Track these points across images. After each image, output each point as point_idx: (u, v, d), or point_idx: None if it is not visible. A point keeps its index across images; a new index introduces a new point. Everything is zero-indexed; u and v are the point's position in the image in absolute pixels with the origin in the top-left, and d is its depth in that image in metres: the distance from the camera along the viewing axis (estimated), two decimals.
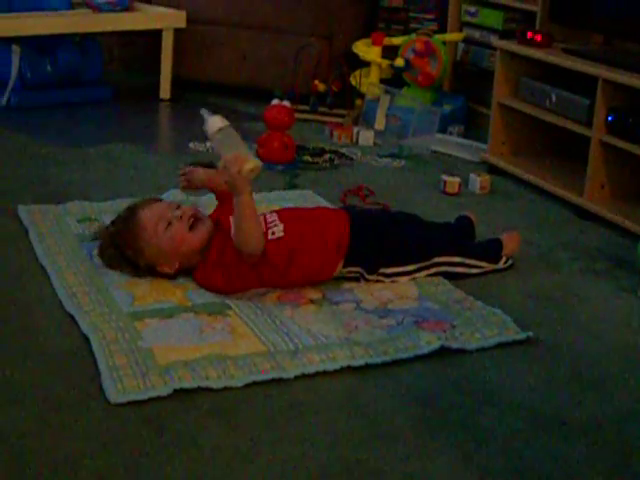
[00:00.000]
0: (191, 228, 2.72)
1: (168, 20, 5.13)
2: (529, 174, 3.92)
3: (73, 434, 1.97)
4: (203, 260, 2.72)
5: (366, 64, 4.97)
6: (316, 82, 4.92)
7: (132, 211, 2.77)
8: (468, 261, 2.92)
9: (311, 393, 2.20)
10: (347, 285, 2.79)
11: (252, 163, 2.58)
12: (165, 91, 5.22)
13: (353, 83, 4.97)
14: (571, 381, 2.34)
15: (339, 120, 4.78)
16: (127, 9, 5.10)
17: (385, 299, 2.72)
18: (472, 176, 3.89)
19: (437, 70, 4.79)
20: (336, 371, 2.30)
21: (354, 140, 4.54)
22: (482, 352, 2.45)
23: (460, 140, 4.63)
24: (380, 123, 4.66)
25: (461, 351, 2.44)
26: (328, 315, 2.59)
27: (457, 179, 3.82)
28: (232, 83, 5.33)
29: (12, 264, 2.84)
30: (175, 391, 2.14)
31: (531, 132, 4.13)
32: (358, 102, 4.92)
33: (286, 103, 4.06)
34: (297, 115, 4.21)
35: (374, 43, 4.94)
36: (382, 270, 2.81)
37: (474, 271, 2.93)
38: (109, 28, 5.05)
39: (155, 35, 5.19)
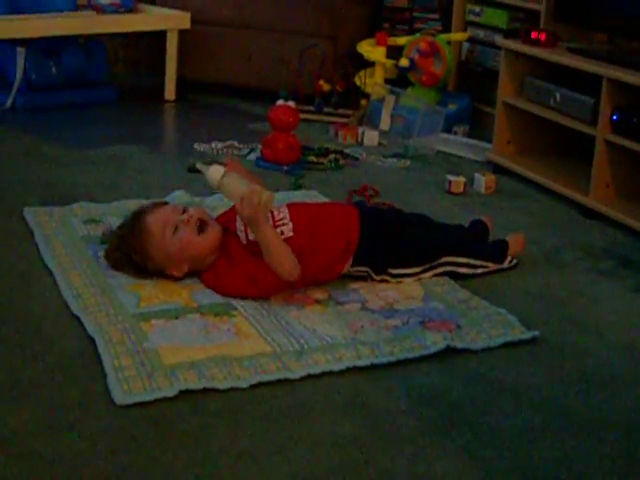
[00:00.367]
0: (199, 232, 2.71)
1: (172, 21, 5.13)
2: (534, 173, 3.92)
3: (79, 435, 1.98)
4: (213, 264, 2.72)
5: (371, 64, 4.98)
6: (321, 82, 4.92)
7: (138, 216, 2.75)
8: (473, 261, 2.92)
9: (317, 394, 2.20)
10: (353, 285, 2.80)
11: (266, 195, 2.61)
12: (170, 92, 5.22)
13: (358, 83, 4.97)
14: (577, 380, 2.34)
15: (344, 120, 4.78)
16: (131, 10, 5.11)
17: (391, 299, 2.72)
18: (477, 176, 3.89)
19: (442, 70, 4.79)
20: (342, 371, 2.30)
21: (359, 140, 4.55)
22: (488, 352, 2.45)
23: (465, 140, 4.63)
24: (385, 123, 4.66)
25: (467, 351, 2.44)
26: (334, 315, 2.59)
27: (462, 179, 3.82)
28: (237, 84, 5.33)
29: (18, 266, 2.85)
30: (181, 392, 2.14)
31: (536, 131, 4.13)
32: (363, 102, 4.92)
33: (291, 103, 4.06)
34: (302, 115, 4.21)
35: (378, 43, 4.94)
36: (389, 270, 2.82)
37: (479, 271, 2.93)
38: (114, 29, 5.06)
39: (160, 36, 5.19)
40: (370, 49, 4.98)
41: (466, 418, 2.13)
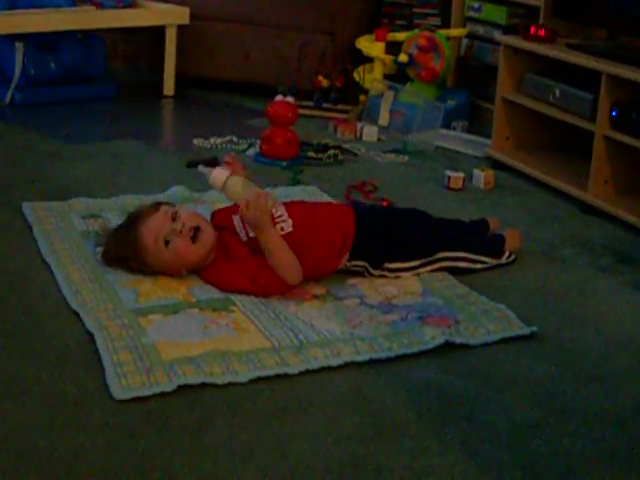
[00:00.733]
0: (194, 240, 2.69)
1: (171, 16, 5.13)
2: (533, 169, 3.92)
3: (77, 430, 1.98)
4: (213, 261, 2.72)
5: (370, 60, 4.98)
6: (320, 78, 4.92)
7: (131, 225, 2.73)
8: (471, 256, 2.92)
9: (315, 389, 2.20)
10: (351, 281, 2.80)
11: (271, 198, 2.64)
12: (168, 88, 5.22)
13: (357, 79, 4.97)
14: (575, 376, 2.34)
15: (343, 116, 4.78)
16: (130, 6, 5.10)
17: (389, 294, 2.72)
18: (476, 171, 3.89)
19: (441, 66, 4.79)
20: (340, 366, 2.30)
21: (358, 136, 4.55)
22: (486, 347, 2.45)
23: (464, 135, 4.63)
24: (384, 119, 4.67)
25: (465, 346, 2.44)
26: (332, 311, 2.59)
27: (461, 174, 3.82)
28: (235, 79, 5.33)
29: (16, 261, 2.84)
30: (179, 387, 2.14)
31: (535, 127, 4.13)
32: (362, 98, 4.92)
33: (290, 99, 4.06)
34: (301, 111, 4.21)
35: (377, 39, 4.94)
36: (386, 265, 2.82)
37: (477, 266, 2.93)
38: (112, 25, 5.05)
39: (158, 32, 5.18)
40: (369, 45, 4.98)
41: (464, 413, 2.14)
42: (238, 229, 2.76)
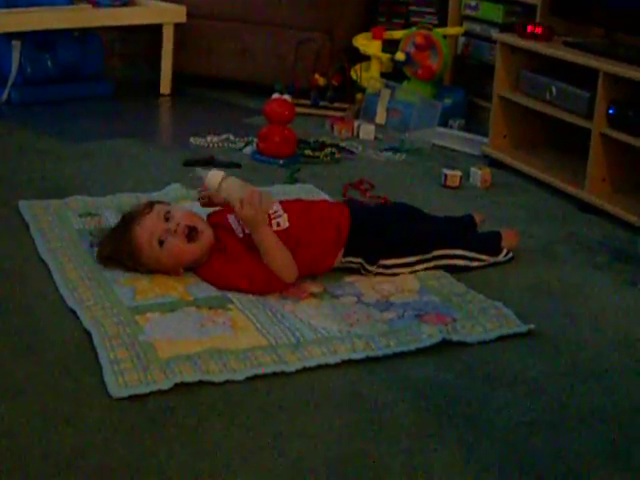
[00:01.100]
0: (189, 239, 2.69)
1: (168, 15, 5.13)
2: (530, 167, 3.93)
3: (74, 428, 1.98)
4: (209, 259, 2.72)
5: (367, 58, 4.97)
6: (316, 76, 4.92)
7: (125, 226, 2.72)
8: (468, 254, 2.92)
9: (313, 386, 2.20)
10: (348, 279, 2.80)
11: (268, 197, 2.67)
12: (165, 86, 5.22)
13: (354, 77, 4.97)
14: (572, 373, 2.34)
15: (340, 114, 4.78)
16: (127, 4, 5.10)
17: (386, 292, 2.72)
18: (473, 169, 3.89)
19: (438, 64, 4.79)
20: (337, 364, 2.30)
21: (355, 134, 4.55)
22: (483, 345, 2.46)
23: (461, 133, 4.62)
24: (381, 117, 4.66)
25: (462, 344, 2.44)
26: (329, 309, 2.59)
27: (458, 172, 3.82)
28: (232, 78, 5.33)
29: (13, 259, 2.84)
30: (176, 385, 2.14)
31: (532, 125, 4.13)
32: (359, 96, 4.92)
33: (287, 97, 4.06)
34: (298, 109, 4.21)
35: (374, 37, 4.94)
36: (382, 262, 2.82)
37: (474, 264, 2.93)
38: (109, 23, 5.05)
39: (155, 30, 5.18)
40: (366, 43, 4.97)
41: (462, 411, 2.14)
42: (234, 226, 2.76)
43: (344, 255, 2.80)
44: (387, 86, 4.70)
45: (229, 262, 2.69)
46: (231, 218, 2.79)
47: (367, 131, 4.53)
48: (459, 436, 2.03)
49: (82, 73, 5.03)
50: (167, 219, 2.68)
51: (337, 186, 3.67)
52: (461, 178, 3.81)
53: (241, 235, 2.74)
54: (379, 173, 3.95)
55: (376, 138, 4.52)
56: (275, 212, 2.75)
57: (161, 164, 3.90)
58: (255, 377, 2.21)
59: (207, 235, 2.71)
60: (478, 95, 4.91)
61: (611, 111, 3.46)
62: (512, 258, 3.02)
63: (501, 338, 2.49)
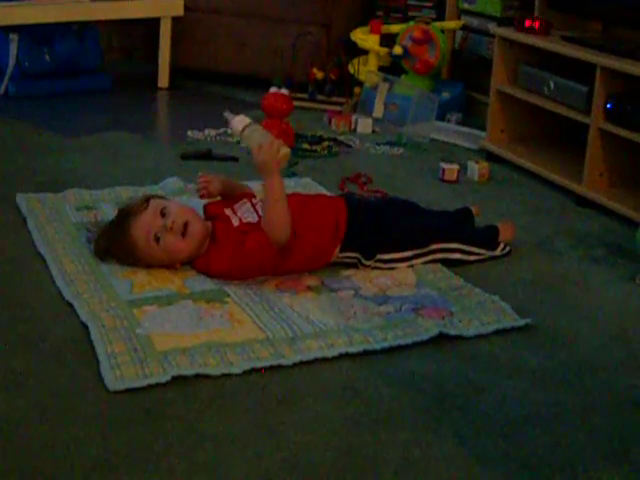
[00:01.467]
0: (184, 235, 2.69)
1: (166, 8, 5.12)
2: (527, 161, 3.92)
3: (72, 421, 1.98)
4: (205, 250, 2.72)
5: (364, 52, 4.97)
6: (314, 70, 4.91)
7: (122, 221, 2.72)
8: (465, 247, 2.92)
9: (310, 380, 2.20)
10: (345, 272, 2.80)
11: (285, 149, 2.67)
12: (163, 79, 5.22)
13: (351, 71, 4.96)
14: (569, 368, 2.34)
15: (337, 108, 4.78)
16: None
17: (383, 286, 2.72)
18: (470, 163, 3.89)
19: (435, 58, 4.78)
20: (334, 358, 2.30)
21: (352, 128, 4.55)
22: (480, 339, 2.46)
23: (458, 128, 4.63)
24: (378, 111, 4.66)
25: (460, 338, 2.44)
26: (326, 302, 2.59)
27: (455, 166, 3.82)
28: (230, 71, 5.32)
29: (10, 253, 2.84)
30: (174, 378, 2.14)
31: (530, 119, 4.13)
32: (356, 90, 4.91)
33: (284, 91, 4.06)
34: (295, 103, 4.21)
35: (372, 31, 4.93)
36: (379, 256, 2.82)
37: (472, 258, 2.93)
38: (107, 17, 5.04)
39: (153, 24, 5.18)
40: (364, 37, 4.97)
41: (459, 405, 2.14)
42: (230, 216, 2.77)
43: (341, 250, 2.80)
44: (385, 80, 4.69)
45: (218, 247, 2.70)
46: (227, 211, 2.79)
47: (365, 125, 4.53)
48: (456, 430, 2.03)
49: (80, 67, 5.03)
50: (163, 215, 2.68)
51: (335, 180, 3.67)
52: (459, 172, 3.81)
53: (236, 224, 2.74)
54: (377, 167, 3.95)
55: (374, 132, 4.52)
56: None
57: (159, 157, 3.90)
58: (252, 370, 2.21)
59: (199, 228, 2.71)
60: (476, 89, 4.91)
61: (609, 106, 3.46)
62: (509, 252, 3.02)
63: (498, 332, 2.49)
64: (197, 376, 2.17)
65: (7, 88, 4.77)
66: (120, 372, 2.14)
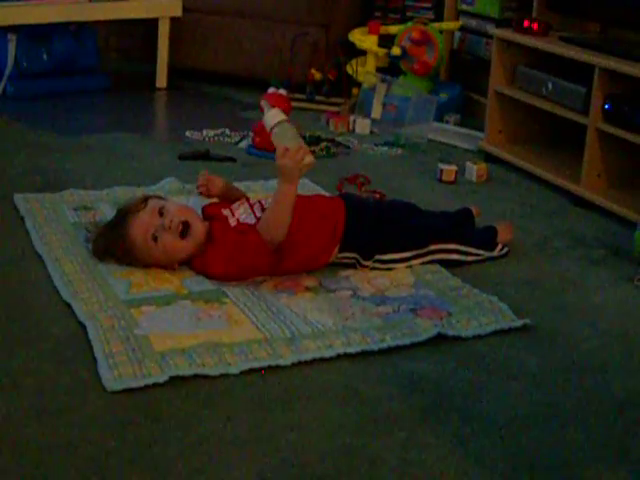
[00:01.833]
0: (183, 234, 2.69)
1: (164, 9, 5.12)
2: (525, 162, 3.92)
3: (69, 421, 1.97)
4: (203, 251, 2.72)
5: (362, 53, 4.97)
6: (312, 71, 4.91)
7: (120, 221, 2.72)
8: (463, 248, 2.92)
9: (307, 380, 2.20)
10: (343, 273, 2.79)
11: (310, 158, 2.65)
12: (161, 80, 5.22)
13: (349, 72, 4.97)
14: (568, 368, 2.34)
15: (336, 109, 4.78)
16: None
17: (381, 287, 2.72)
18: (468, 164, 3.89)
19: (434, 59, 4.78)
20: (332, 358, 2.30)
21: (350, 129, 4.54)
22: (478, 339, 2.45)
23: (457, 128, 4.63)
24: (376, 112, 4.66)
25: (458, 338, 2.44)
26: (324, 303, 2.59)
27: (453, 167, 3.82)
28: (228, 72, 5.32)
29: (8, 252, 2.84)
30: (171, 378, 2.14)
31: (528, 120, 4.13)
32: (354, 91, 4.92)
33: (282, 92, 4.05)
34: (293, 104, 4.21)
35: (370, 32, 4.93)
36: (378, 257, 2.82)
37: (470, 259, 2.93)
38: (105, 17, 5.03)
39: (151, 24, 5.17)
40: (362, 38, 4.97)
41: (456, 405, 2.14)
42: (229, 217, 2.76)
43: (340, 250, 2.79)
44: (383, 81, 4.69)
45: (215, 247, 2.70)
46: (225, 212, 2.79)
47: (363, 126, 4.53)
48: (454, 430, 2.03)
49: (78, 67, 5.02)
50: (161, 214, 2.68)
51: (332, 180, 3.67)
52: (456, 173, 3.81)
53: (234, 224, 2.74)
54: (375, 168, 3.95)
55: (372, 133, 4.52)
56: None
57: (157, 158, 3.90)
58: (250, 371, 2.21)
59: (198, 228, 2.71)
60: (474, 90, 4.91)
61: (607, 106, 3.46)
62: (507, 253, 3.02)
63: (496, 332, 2.49)
64: (195, 376, 2.17)
65: (5, 88, 4.76)
66: (118, 372, 2.14)
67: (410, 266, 2.85)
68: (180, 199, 3.15)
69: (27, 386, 2.10)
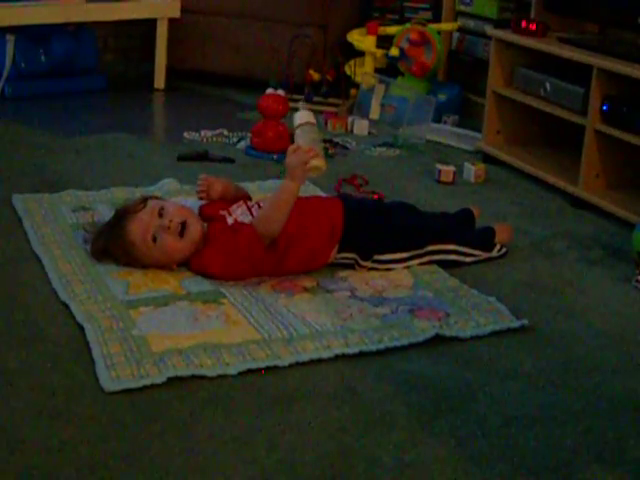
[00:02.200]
0: (181, 234, 2.69)
1: (162, 10, 5.12)
2: (524, 163, 3.93)
3: (67, 422, 1.97)
4: (199, 250, 2.72)
5: (361, 53, 4.97)
6: (311, 72, 4.91)
7: (119, 221, 2.72)
8: (461, 249, 2.92)
9: (305, 381, 2.20)
10: (342, 273, 2.80)
11: (319, 162, 2.68)
12: (159, 81, 5.21)
13: (348, 72, 4.97)
14: (565, 369, 2.34)
15: (334, 109, 4.77)
16: None
17: (380, 287, 2.72)
18: (467, 165, 3.89)
19: (432, 59, 4.78)
20: (330, 359, 2.30)
21: (349, 129, 4.55)
22: (476, 340, 2.45)
23: (455, 129, 4.63)
24: (375, 112, 4.66)
25: (455, 339, 2.44)
26: (323, 303, 2.59)
27: (452, 168, 3.82)
28: (226, 73, 5.32)
29: (6, 253, 2.84)
30: (169, 379, 2.14)
31: (526, 121, 4.13)
32: (353, 91, 4.92)
33: (280, 92, 4.05)
34: (292, 104, 4.21)
35: (369, 32, 4.93)
36: (376, 257, 2.82)
37: (468, 259, 2.93)
38: (104, 18, 5.03)
39: (150, 25, 5.17)
40: (360, 38, 4.97)
41: (454, 406, 2.14)
42: (226, 216, 2.77)
43: (338, 251, 2.80)
44: (381, 82, 4.69)
45: (211, 246, 2.70)
46: (223, 211, 2.79)
47: (361, 126, 4.53)
48: (452, 431, 2.03)
49: (76, 67, 5.02)
50: (161, 215, 2.68)
51: (331, 181, 3.67)
52: (455, 174, 3.82)
53: (230, 222, 2.74)
54: (373, 168, 3.95)
55: (370, 133, 4.52)
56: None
57: (155, 158, 3.90)
58: (248, 371, 2.21)
59: (196, 228, 2.71)
60: (472, 91, 4.91)
61: (605, 107, 3.46)
62: (506, 253, 3.02)
63: (494, 333, 2.49)
64: (193, 377, 2.16)
65: (3, 89, 4.76)
66: (116, 373, 2.14)
67: (408, 266, 2.85)
68: (178, 200, 3.15)
69: (24, 386, 2.10)
